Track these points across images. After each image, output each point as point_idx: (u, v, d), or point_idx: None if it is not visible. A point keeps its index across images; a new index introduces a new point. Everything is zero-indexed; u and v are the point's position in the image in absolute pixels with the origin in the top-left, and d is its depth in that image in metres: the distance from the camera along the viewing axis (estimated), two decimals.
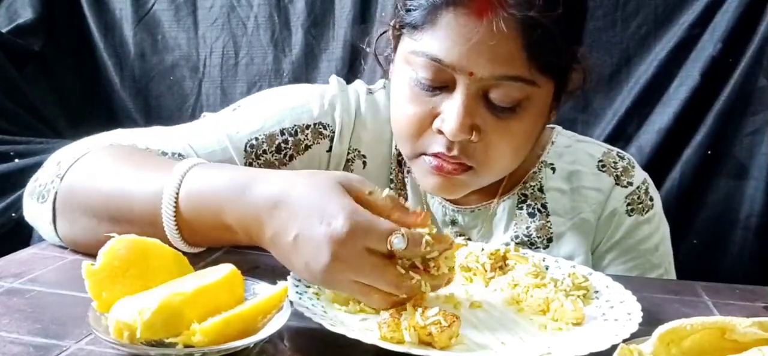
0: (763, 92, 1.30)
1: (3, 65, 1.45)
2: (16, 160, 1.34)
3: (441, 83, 0.80)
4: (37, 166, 0.86)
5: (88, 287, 0.58)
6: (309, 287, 0.68)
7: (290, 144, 0.91)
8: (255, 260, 0.79)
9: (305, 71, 1.51)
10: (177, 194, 0.69)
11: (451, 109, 0.79)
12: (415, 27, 0.80)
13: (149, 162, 0.78)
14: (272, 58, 1.50)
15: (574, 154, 0.96)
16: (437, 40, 0.78)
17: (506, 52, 0.76)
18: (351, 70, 1.46)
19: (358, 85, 0.98)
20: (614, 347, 0.52)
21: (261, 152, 0.90)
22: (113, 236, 0.59)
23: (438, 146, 0.81)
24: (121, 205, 0.73)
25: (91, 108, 1.59)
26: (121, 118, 1.55)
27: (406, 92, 0.82)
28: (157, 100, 1.57)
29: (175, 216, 0.70)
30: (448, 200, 0.95)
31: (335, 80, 0.97)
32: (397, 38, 0.85)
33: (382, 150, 0.96)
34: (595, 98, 1.39)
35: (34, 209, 0.82)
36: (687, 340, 0.51)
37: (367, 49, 0.92)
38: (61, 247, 0.82)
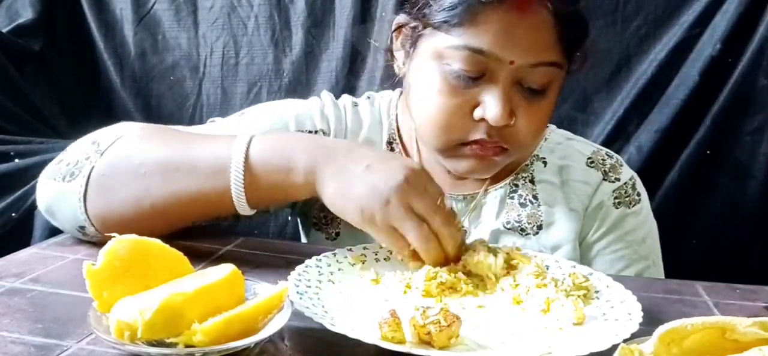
0: (763, 91, 1.30)
1: (3, 65, 1.45)
2: (16, 160, 1.34)
3: (478, 73, 0.85)
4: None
5: (89, 287, 0.58)
6: (309, 287, 0.68)
7: None
8: (256, 260, 0.79)
9: (305, 71, 1.50)
10: (249, 143, 0.77)
11: (494, 97, 0.84)
12: (451, 24, 0.84)
13: (202, 135, 0.85)
14: (272, 58, 1.50)
15: (566, 150, 1.02)
16: (479, 35, 0.83)
17: (544, 41, 0.84)
18: (351, 70, 1.46)
19: (345, 99, 1.05)
20: (615, 347, 0.53)
21: None
22: (114, 236, 0.60)
23: (479, 133, 0.87)
24: (182, 163, 0.78)
25: (91, 108, 1.58)
26: (121, 118, 1.53)
27: (439, 85, 0.86)
28: (157, 100, 1.56)
29: (245, 160, 0.76)
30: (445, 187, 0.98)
31: (327, 95, 1.04)
32: (418, 37, 0.89)
33: None
34: (595, 98, 1.39)
35: (57, 190, 0.82)
36: (687, 340, 0.51)
37: (374, 43, 0.95)
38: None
